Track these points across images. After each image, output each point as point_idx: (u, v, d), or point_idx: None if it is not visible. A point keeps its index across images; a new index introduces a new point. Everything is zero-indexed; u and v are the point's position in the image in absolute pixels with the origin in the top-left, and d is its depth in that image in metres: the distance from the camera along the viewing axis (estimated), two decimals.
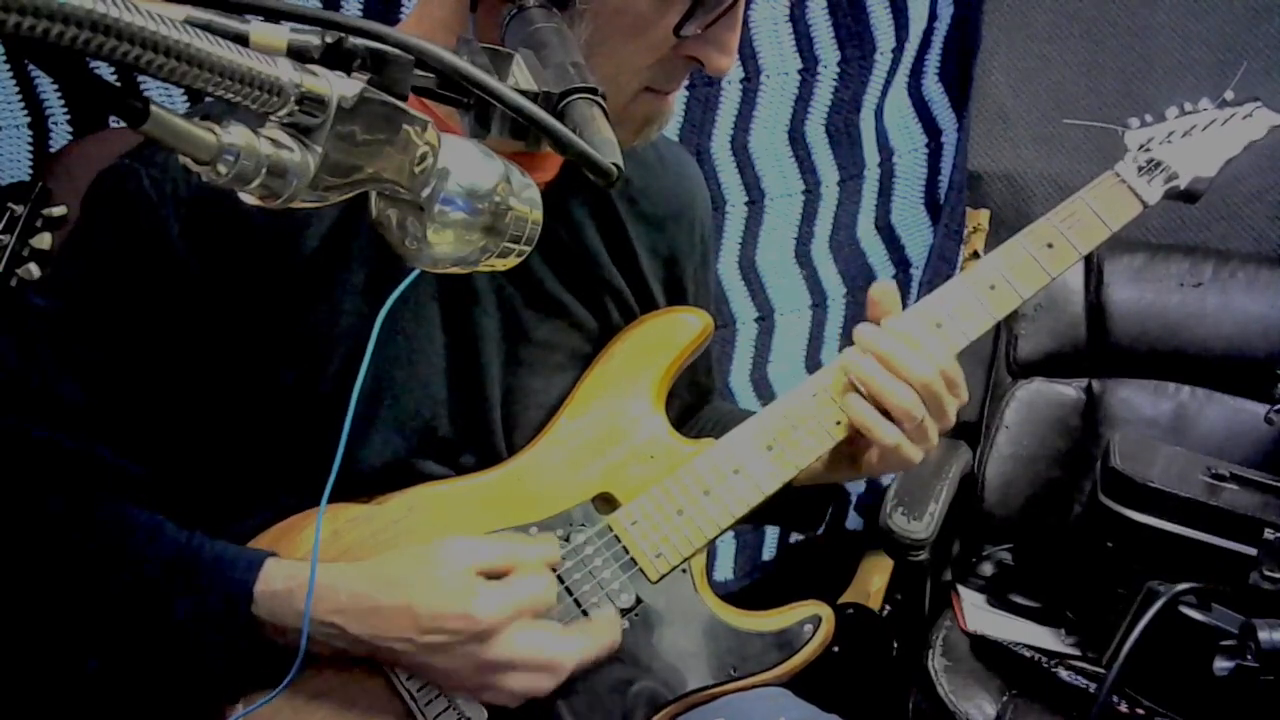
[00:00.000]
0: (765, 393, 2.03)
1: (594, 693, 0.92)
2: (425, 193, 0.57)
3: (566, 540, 0.97)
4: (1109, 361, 1.94)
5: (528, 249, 0.62)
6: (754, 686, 0.97)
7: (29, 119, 1.37)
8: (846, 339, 2.07)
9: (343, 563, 0.89)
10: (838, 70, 1.87)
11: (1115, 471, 1.54)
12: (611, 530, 0.98)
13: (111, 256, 0.86)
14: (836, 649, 1.85)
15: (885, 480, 2.17)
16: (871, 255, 2.10)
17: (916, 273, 2.18)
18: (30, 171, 1.37)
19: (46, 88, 1.37)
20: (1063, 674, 1.54)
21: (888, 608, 1.98)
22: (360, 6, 1.47)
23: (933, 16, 1.97)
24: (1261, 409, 1.65)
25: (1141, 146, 1.10)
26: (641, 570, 0.97)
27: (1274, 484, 1.51)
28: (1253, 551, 1.36)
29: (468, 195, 0.58)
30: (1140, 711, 1.42)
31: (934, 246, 2.16)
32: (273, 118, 0.49)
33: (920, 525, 1.58)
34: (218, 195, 0.81)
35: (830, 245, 2.03)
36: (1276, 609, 1.30)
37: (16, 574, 0.89)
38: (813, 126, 1.90)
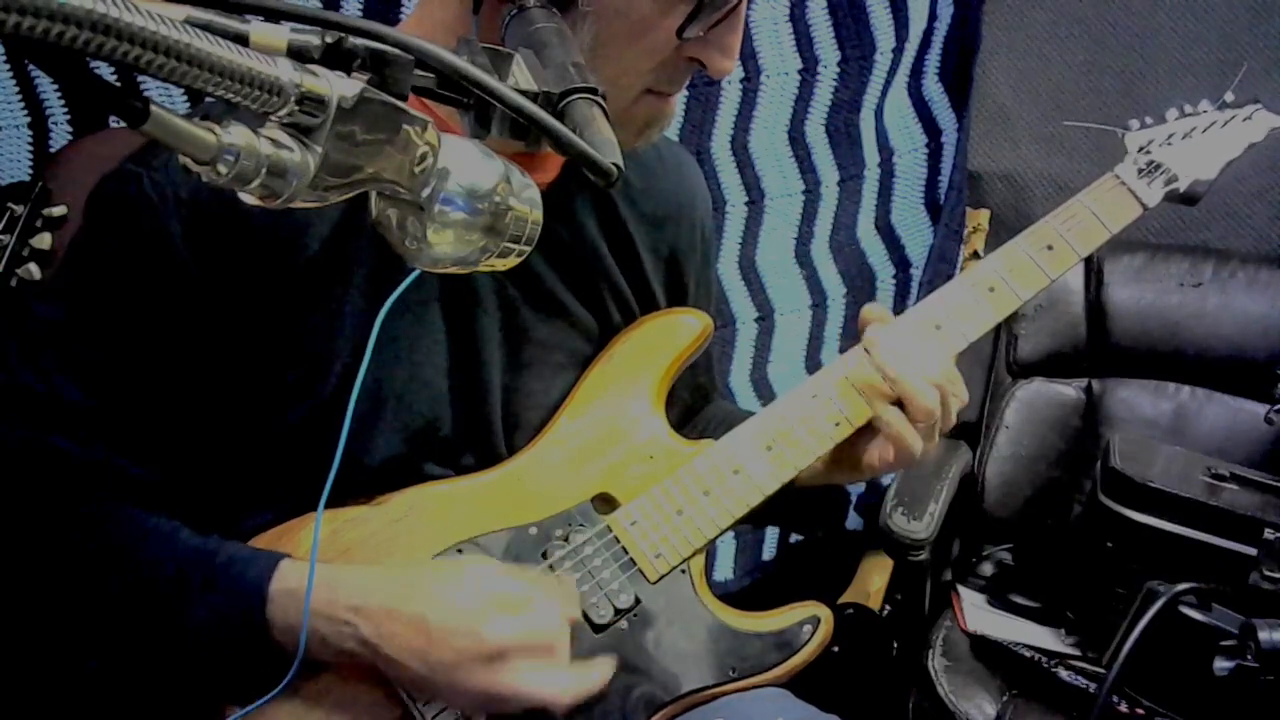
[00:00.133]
0: (765, 393, 2.02)
1: (593, 693, 0.92)
2: (425, 193, 0.57)
3: (566, 540, 0.97)
4: (1109, 361, 1.94)
5: (528, 249, 0.62)
6: (753, 687, 0.97)
7: (29, 119, 1.37)
8: (846, 339, 2.08)
9: (365, 564, 0.89)
10: (838, 70, 1.87)
11: (1115, 471, 1.54)
12: (611, 530, 0.98)
13: (115, 260, 0.87)
14: (836, 649, 1.85)
15: (885, 480, 2.17)
16: (871, 255, 2.10)
17: (916, 273, 2.18)
18: (30, 171, 1.37)
19: (46, 88, 1.37)
20: (1063, 674, 1.54)
21: (888, 608, 1.98)
22: (360, 6, 1.46)
23: (933, 16, 1.97)
24: (1261, 409, 1.65)
25: (1141, 148, 1.10)
26: (641, 570, 0.97)
27: (1274, 484, 1.51)
28: (1253, 551, 1.36)
29: (468, 195, 0.58)
30: (1140, 711, 1.42)
31: (934, 246, 2.16)
32: (273, 118, 0.49)
33: (920, 525, 1.57)
34: (220, 198, 0.81)
35: (830, 245, 2.03)
36: (1276, 609, 1.30)
37: (32, 579, 0.89)
38: (813, 126, 1.90)
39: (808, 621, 0.99)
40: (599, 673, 0.91)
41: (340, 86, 0.50)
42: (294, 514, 0.93)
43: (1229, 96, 1.15)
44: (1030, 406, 1.96)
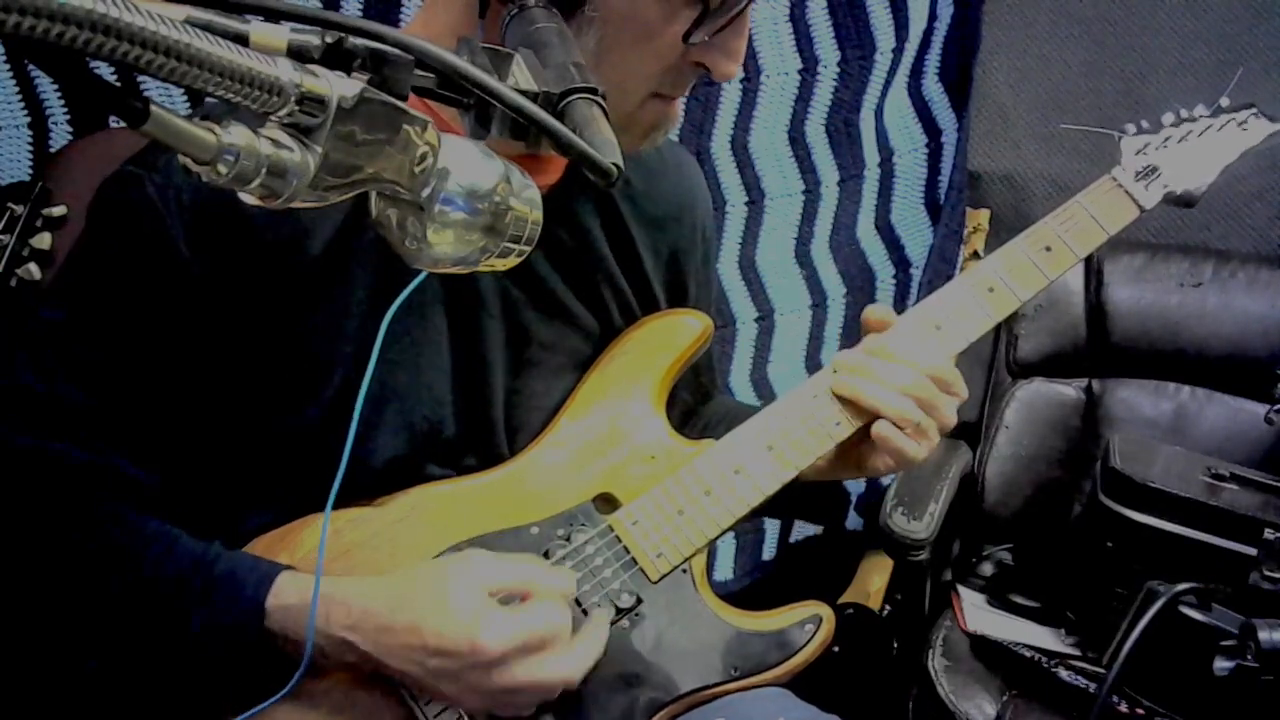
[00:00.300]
0: (765, 393, 2.02)
1: (594, 693, 0.92)
2: (425, 193, 0.57)
3: (567, 540, 0.97)
4: (1109, 361, 1.94)
5: (528, 249, 0.62)
6: (754, 686, 0.97)
7: (29, 119, 1.37)
8: (846, 339, 2.08)
9: (357, 574, 0.89)
10: (838, 70, 1.87)
11: (1115, 471, 1.54)
12: (612, 530, 0.98)
13: (117, 263, 0.87)
14: (836, 649, 1.85)
15: (885, 480, 2.17)
16: (871, 255, 2.10)
17: (916, 273, 2.18)
18: (30, 171, 1.37)
19: (46, 88, 1.37)
20: (1063, 674, 1.54)
21: (888, 608, 1.98)
22: (360, 6, 1.47)
23: (933, 16, 1.97)
24: (1261, 409, 1.65)
25: (1138, 152, 1.10)
26: (642, 570, 0.97)
27: (1274, 484, 1.51)
28: (1253, 551, 1.36)
29: (468, 195, 0.58)
30: (1140, 711, 1.42)
31: (934, 246, 2.16)
32: (273, 118, 0.49)
33: (920, 525, 1.57)
34: (222, 200, 0.81)
35: (830, 245, 2.03)
36: (1276, 609, 1.30)
37: (31, 580, 0.89)
38: (813, 126, 1.90)
39: (809, 621, 0.99)
40: (594, 641, 0.90)
41: (340, 86, 0.50)
42: (295, 515, 0.93)
43: (1224, 101, 1.15)
44: (1030, 406, 1.96)
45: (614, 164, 0.60)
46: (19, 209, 1.23)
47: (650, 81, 0.87)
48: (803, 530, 2.20)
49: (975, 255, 2.24)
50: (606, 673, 0.93)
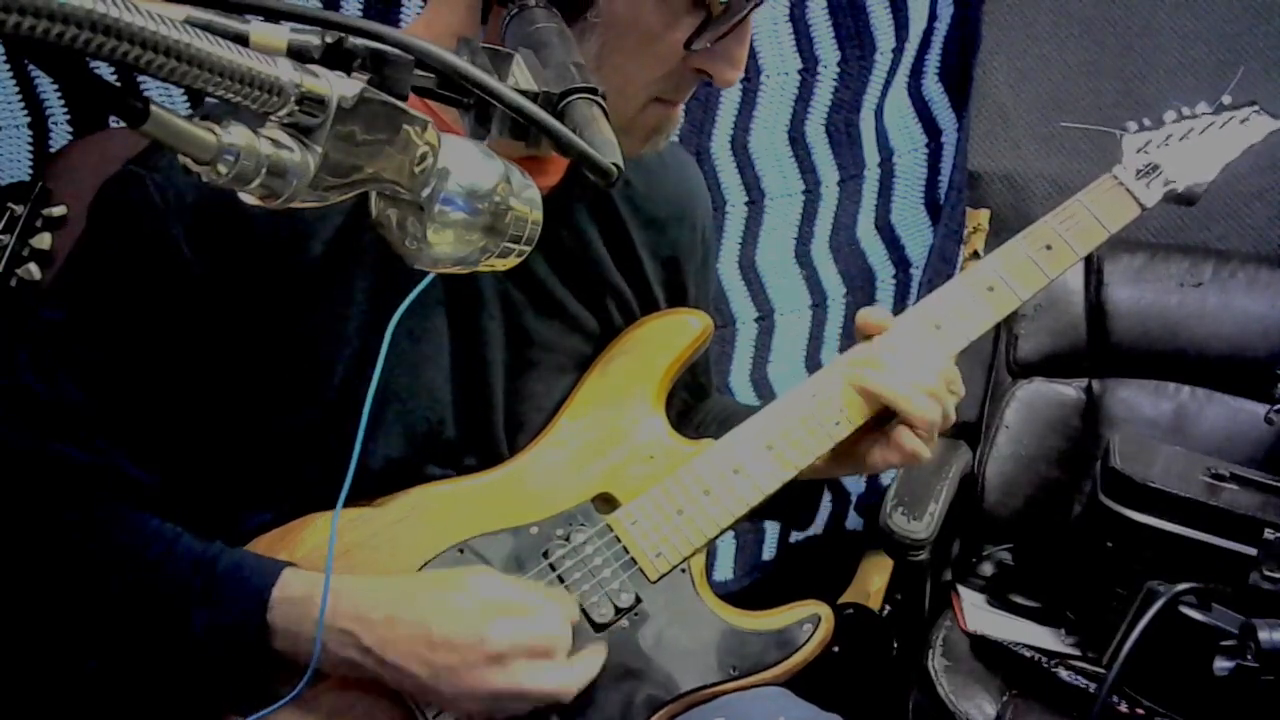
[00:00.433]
0: (765, 393, 2.02)
1: (594, 693, 0.92)
2: (425, 193, 0.57)
3: (566, 540, 0.97)
4: (1109, 361, 1.94)
5: (528, 249, 0.62)
6: (754, 686, 0.97)
7: (29, 119, 1.37)
8: (846, 339, 2.08)
9: (357, 574, 0.89)
10: (838, 70, 1.87)
11: (1115, 471, 1.54)
12: (612, 530, 0.98)
13: (118, 264, 0.87)
14: (836, 649, 1.85)
15: (885, 480, 2.17)
16: (871, 255, 2.10)
17: (916, 273, 2.18)
18: (30, 171, 1.37)
19: (46, 88, 1.37)
20: (1063, 674, 1.54)
21: (888, 608, 1.98)
22: (360, 6, 1.47)
23: (933, 16, 1.97)
24: (1261, 409, 1.65)
25: (1139, 150, 1.10)
26: (641, 570, 0.97)
27: (1274, 484, 1.51)
28: (1253, 551, 1.36)
29: (468, 195, 0.58)
30: (1140, 711, 1.42)
31: (934, 246, 2.16)
32: (273, 118, 0.49)
33: (920, 525, 1.57)
34: (223, 201, 0.81)
35: (830, 245, 2.03)
36: (1276, 609, 1.30)
37: (32, 580, 0.89)
38: (813, 126, 1.90)
39: (808, 620, 0.99)
40: (593, 659, 0.92)
41: (340, 86, 0.50)
42: (295, 514, 0.93)
43: (1226, 99, 1.15)
44: (1030, 406, 1.96)
45: (614, 164, 0.60)
46: (19, 209, 1.23)
47: (652, 87, 0.87)
48: (803, 530, 2.20)
49: (975, 255, 2.24)
50: (606, 673, 0.93)
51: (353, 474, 0.83)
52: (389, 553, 0.93)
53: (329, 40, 0.52)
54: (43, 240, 1.23)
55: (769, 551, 2.15)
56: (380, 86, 0.52)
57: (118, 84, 0.48)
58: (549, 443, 1.01)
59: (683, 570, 0.99)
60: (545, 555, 0.97)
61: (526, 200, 0.61)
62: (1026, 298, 1.04)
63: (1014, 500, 1.92)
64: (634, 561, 0.98)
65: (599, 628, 0.95)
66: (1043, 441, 1.94)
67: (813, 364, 2.08)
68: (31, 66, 1.36)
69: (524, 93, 0.60)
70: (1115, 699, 1.42)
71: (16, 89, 1.36)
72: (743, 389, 2.00)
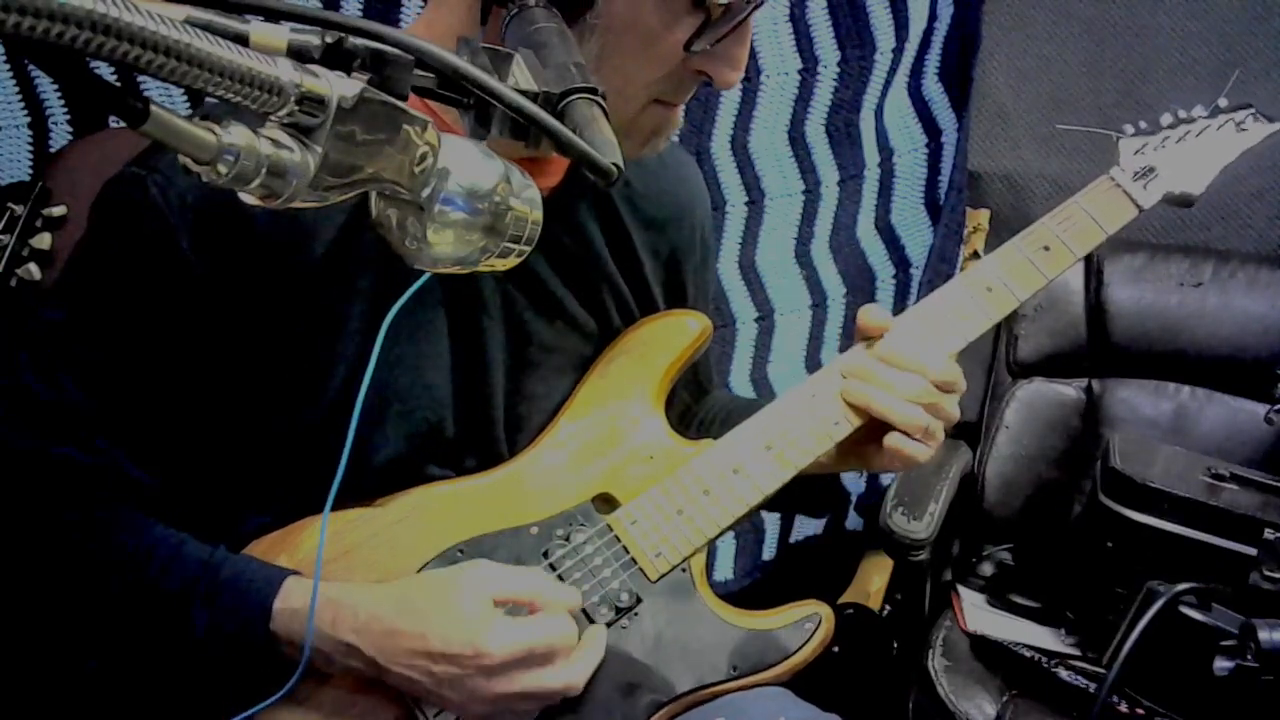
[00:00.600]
0: (765, 393, 2.02)
1: (594, 693, 0.92)
2: (425, 193, 0.57)
3: (567, 540, 0.97)
4: (1109, 361, 1.94)
5: (528, 249, 0.62)
6: (754, 686, 0.97)
7: (29, 119, 1.37)
8: (846, 339, 2.08)
9: (357, 575, 0.90)
10: (838, 70, 1.87)
11: (1115, 471, 1.54)
12: (611, 530, 0.98)
13: (119, 264, 0.87)
14: (836, 649, 1.85)
15: (885, 480, 2.17)
16: (871, 255, 2.10)
17: (916, 273, 2.18)
18: (30, 171, 1.37)
19: (46, 88, 1.37)
20: (1063, 674, 1.54)
21: (888, 608, 1.98)
22: (360, 6, 1.47)
23: (933, 16, 1.97)
24: (1261, 409, 1.65)
25: (1136, 152, 1.10)
26: (641, 570, 0.97)
27: (1274, 484, 1.51)
28: (1253, 551, 1.36)
29: (468, 195, 0.58)
30: (1140, 711, 1.42)
31: (934, 246, 2.16)
32: (273, 118, 0.49)
33: (920, 525, 1.57)
34: (224, 201, 0.81)
35: (830, 245, 2.03)
36: (1276, 609, 1.30)
37: (35, 586, 0.89)
38: (813, 126, 1.90)
39: (808, 620, 0.99)
40: (594, 649, 0.92)
41: (340, 86, 0.50)
42: (295, 515, 0.93)
43: (1222, 101, 1.15)
44: (1030, 406, 1.96)
45: (614, 164, 0.60)
46: (19, 209, 1.23)
47: (652, 88, 0.87)
48: (803, 530, 2.20)
49: (975, 255, 2.24)
50: (606, 673, 0.93)
51: (353, 474, 0.83)
52: (389, 553, 0.93)
53: (329, 40, 0.52)
54: (43, 240, 1.23)
55: (769, 551, 2.15)
56: (380, 86, 0.52)
57: (118, 84, 0.48)
58: (549, 443, 1.01)
59: (683, 570, 0.99)
60: (545, 555, 0.97)
61: (526, 200, 0.61)
62: (1025, 298, 1.04)
63: (1014, 500, 1.92)
64: (634, 561, 0.98)
65: None
66: (1043, 441, 1.94)
67: (813, 364, 2.08)
68: (31, 66, 1.36)
69: (524, 93, 0.60)
70: (1115, 699, 1.42)
71: (16, 89, 1.36)
72: (743, 389, 2.00)
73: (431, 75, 0.56)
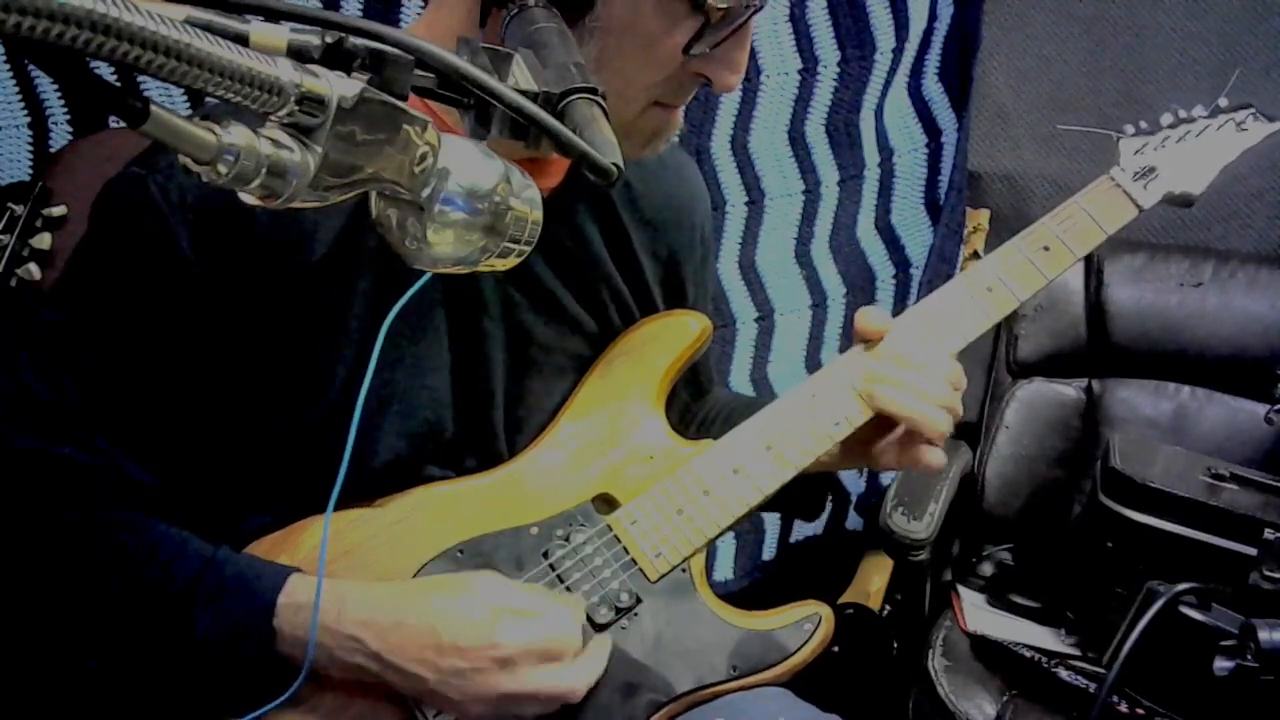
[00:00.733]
0: (765, 393, 2.02)
1: (594, 694, 0.92)
2: (425, 193, 0.57)
3: (566, 540, 0.97)
4: (1109, 361, 1.94)
5: (528, 249, 0.62)
6: (754, 686, 0.97)
7: (29, 119, 1.37)
8: (847, 339, 2.08)
9: (357, 575, 0.90)
10: (838, 70, 1.87)
11: (1115, 471, 1.54)
12: (611, 530, 0.98)
13: (120, 264, 0.87)
14: (836, 649, 1.85)
15: (885, 480, 2.17)
16: (871, 255, 2.10)
17: (916, 273, 2.18)
18: (30, 171, 1.37)
19: (46, 88, 1.37)
20: (1063, 674, 1.54)
21: (888, 608, 1.98)
22: (360, 6, 1.47)
23: (933, 16, 1.97)
24: (1261, 409, 1.65)
25: (1136, 152, 1.10)
26: (641, 570, 0.97)
27: (1274, 484, 1.51)
28: (1253, 551, 1.36)
29: (468, 195, 0.58)
30: (1140, 711, 1.42)
31: (934, 246, 2.16)
32: (273, 118, 0.49)
33: (920, 525, 1.57)
34: (225, 202, 0.81)
35: (830, 245, 2.03)
36: (1276, 609, 1.30)
37: (36, 587, 0.89)
38: (813, 126, 1.90)
39: (808, 620, 0.99)
40: (599, 654, 0.92)
41: (340, 86, 0.50)
42: (295, 516, 0.93)
43: (1222, 101, 1.15)
44: (1030, 406, 1.96)
45: (614, 164, 0.60)
46: (19, 209, 1.23)
47: (651, 91, 0.87)
48: (803, 530, 2.20)
49: (975, 255, 2.24)
50: (606, 673, 0.93)
51: (353, 474, 0.83)
52: (389, 553, 0.93)
53: (329, 40, 0.52)
54: (43, 240, 1.23)
55: (769, 551, 2.15)
56: (380, 86, 0.52)
57: (118, 84, 0.48)
58: (549, 443, 1.01)
59: (683, 570, 0.99)
60: (545, 556, 0.97)
61: (526, 200, 0.61)
62: (1025, 298, 1.04)
63: (1014, 500, 1.92)
64: (634, 562, 0.98)
65: (599, 628, 0.95)
66: (1043, 441, 1.94)
67: (813, 364, 2.08)
68: (31, 66, 1.36)
69: (524, 93, 0.60)
70: (1115, 699, 1.42)
71: (16, 89, 1.36)
72: (743, 389, 2.00)
73: (431, 75, 0.56)
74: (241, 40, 0.49)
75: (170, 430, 0.90)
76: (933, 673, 1.59)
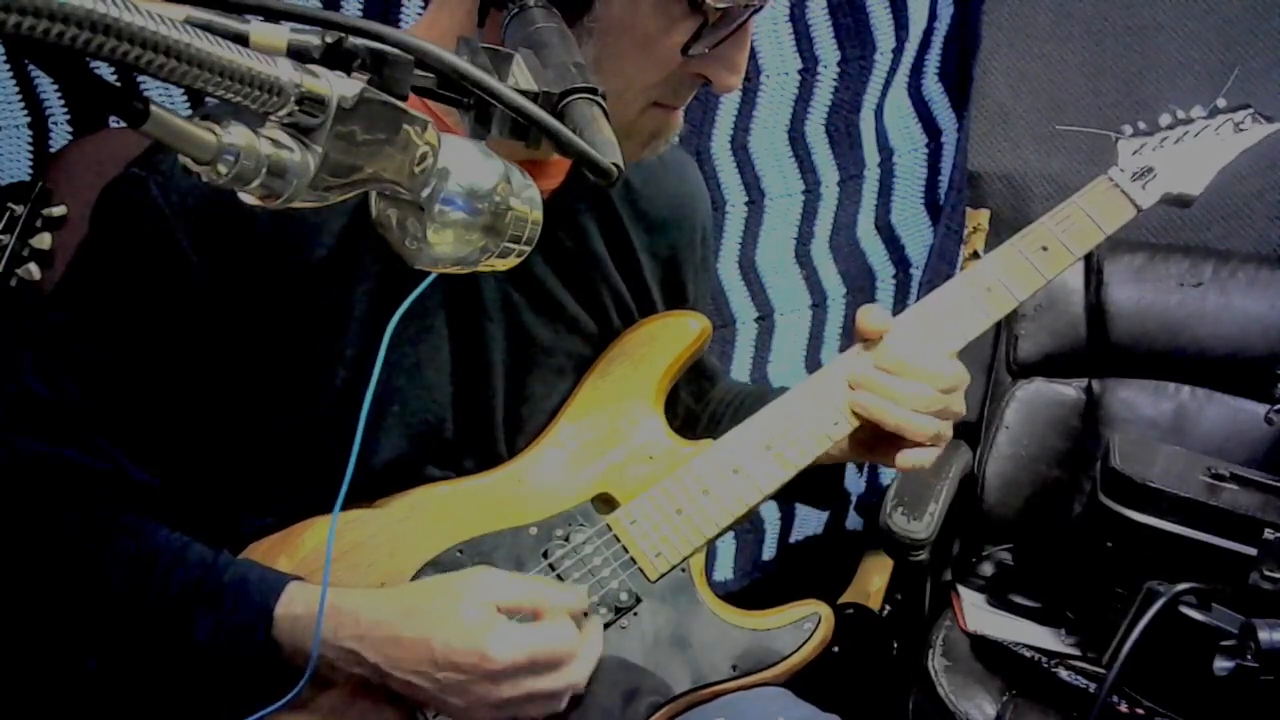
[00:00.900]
0: None
1: (594, 694, 0.92)
2: (425, 193, 0.57)
3: (566, 540, 0.97)
4: (1109, 361, 1.94)
5: (528, 249, 0.62)
6: (753, 685, 0.97)
7: (29, 119, 1.37)
8: (847, 339, 2.08)
9: (357, 575, 0.90)
10: (838, 70, 1.87)
11: (1115, 471, 1.54)
12: (611, 530, 0.98)
13: (121, 266, 0.87)
14: (836, 649, 1.85)
15: (885, 480, 2.17)
16: (871, 255, 2.10)
17: (916, 273, 2.18)
18: (30, 171, 1.37)
19: (46, 88, 1.37)
20: (1063, 674, 1.54)
21: (888, 608, 1.98)
22: (360, 6, 1.47)
23: (933, 16, 1.97)
24: (1261, 409, 1.65)
25: (1135, 152, 1.10)
26: (641, 570, 0.98)
27: (1274, 484, 1.51)
28: (1253, 551, 1.36)
29: (468, 195, 0.58)
30: (1140, 711, 1.42)
31: (934, 246, 2.16)
32: (273, 118, 0.49)
33: (920, 525, 1.58)
34: (226, 203, 0.81)
35: (830, 245, 2.03)
36: (1276, 609, 1.30)
37: (37, 588, 0.89)
38: (813, 126, 1.90)
39: (808, 620, 0.99)
40: (595, 642, 0.91)
41: (340, 86, 0.50)
42: (296, 516, 0.93)
43: (1221, 102, 1.15)
44: (1030, 406, 1.96)
45: (614, 164, 0.60)
46: (19, 209, 1.23)
47: (650, 91, 0.86)
48: (803, 530, 2.20)
49: (975, 255, 2.24)
50: (606, 673, 0.93)
51: (353, 475, 0.83)
52: (388, 553, 0.93)
53: (329, 40, 0.52)
54: (43, 240, 1.23)
55: (769, 551, 2.15)
56: (380, 86, 0.52)
57: (118, 84, 0.48)
58: (548, 444, 1.01)
59: (682, 570, 0.99)
60: (545, 555, 0.97)
61: (526, 200, 0.61)
62: (1023, 299, 1.05)
63: (1014, 500, 1.92)
64: (633, 561, 0.98)
65: None
66: (1043, 441, 1.94)
67: (813, 364, 2.08)
68: (31, 66, 1.36)
69: (524, 93, 0.60)
70: (1115, 699, 1.42)
71: (16, 89, 1.36)
72: None
73: (431, 75, 0.56)
74: (241, 40, 0.49)
75: (171, 431, 0.90)
76: (933, 673, 1.59)
